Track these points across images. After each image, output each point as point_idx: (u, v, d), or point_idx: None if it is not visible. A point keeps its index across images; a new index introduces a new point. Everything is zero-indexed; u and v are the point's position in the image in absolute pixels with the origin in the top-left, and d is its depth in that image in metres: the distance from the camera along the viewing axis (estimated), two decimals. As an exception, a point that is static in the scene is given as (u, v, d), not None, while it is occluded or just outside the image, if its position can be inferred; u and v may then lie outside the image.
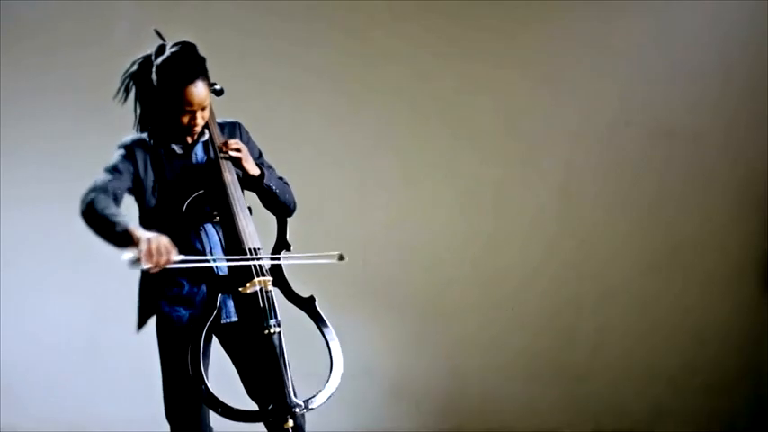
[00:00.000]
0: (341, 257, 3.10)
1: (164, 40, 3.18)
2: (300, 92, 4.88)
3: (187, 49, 3.08)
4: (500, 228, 5.14)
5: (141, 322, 3.20)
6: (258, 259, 3.02)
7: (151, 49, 3.14)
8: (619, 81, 5.18)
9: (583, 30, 5.12)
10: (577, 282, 5.19)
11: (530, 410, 5.15)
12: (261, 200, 3.21)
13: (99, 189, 2.96)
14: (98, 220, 2.88)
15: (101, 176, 3.04)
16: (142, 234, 2.80)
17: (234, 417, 2.91)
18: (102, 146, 4.68)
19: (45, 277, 4.78)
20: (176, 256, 2.82)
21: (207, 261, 3.00)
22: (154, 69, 3.07)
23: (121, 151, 3.11)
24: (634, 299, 5.21)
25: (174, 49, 3.07)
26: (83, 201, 2.95)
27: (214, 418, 3.18)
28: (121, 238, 2.81)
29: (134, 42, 4.71)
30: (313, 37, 4.87)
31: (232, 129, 3.24)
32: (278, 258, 3.11)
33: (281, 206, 3.21)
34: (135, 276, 4.66)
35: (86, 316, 4.79)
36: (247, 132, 3.29)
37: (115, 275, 4.71)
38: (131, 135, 3.17)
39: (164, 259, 2.78)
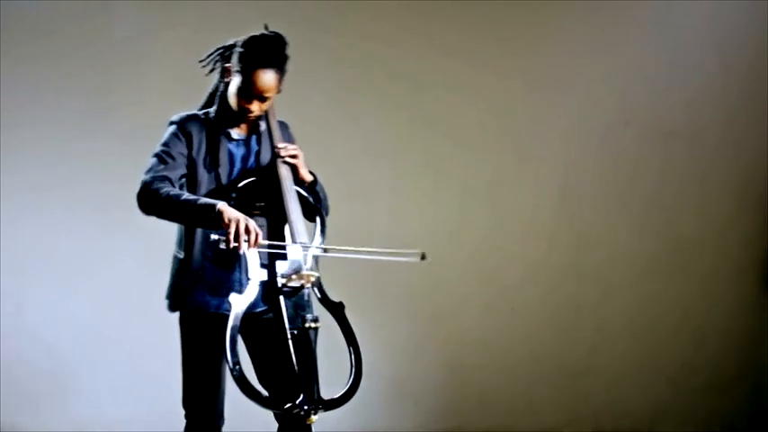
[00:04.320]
0: (423, 257, 3.08)
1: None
2: (294, 94, 4.85)
3: (278, 39, 3.10)
4: (499, 228, 5.14)
5: (173, 307, 3.20)
6: (344, 251, 3.07)
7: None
8: (618, 81, 5.18)
9: (582, 29, 5.13)
10: (577, 281, 5.19)
11: (529, 410, 5.15)
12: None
13: (157, 179, 3.00)
14: (177, 207, 2.93)
15: (151, 164, 3.06)
16: (232, 214, 2.88)
17: (262, 402, 2.93)
18: (103, 150, 4.74)
19: (46, 278, 4.77)
20: (263, 241, 2.91)
21: (285, 248, 3.02)
22: (240, 41, 3.10)
23: (174, 128, 3.13)
24: (633, 298, 5.22)
25: (269, 33, 3.11)
26: (144, 195, 2.99)
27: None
28: (213, 219, 2.88)
29: (134, 47, 4.79)
30: (308, 40, 4.84)
31: (281, 128, 3.27)
32: (362, 251, 3.10)
33: (319, 211, 3.23)
34: (136, 277, 4.73)
35: (87, 316, 4.79)
36: (292, 135, 3.33)
37: (116, 276, 4.77)
38: (183, 112, 3.18)
39: (252, 240, 2.86)
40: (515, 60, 5.10)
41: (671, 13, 5.17)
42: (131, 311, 4.78)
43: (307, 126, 4.91)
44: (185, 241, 3.15)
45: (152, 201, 2.98)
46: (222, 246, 2.86)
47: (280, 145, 3.15)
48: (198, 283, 3.11)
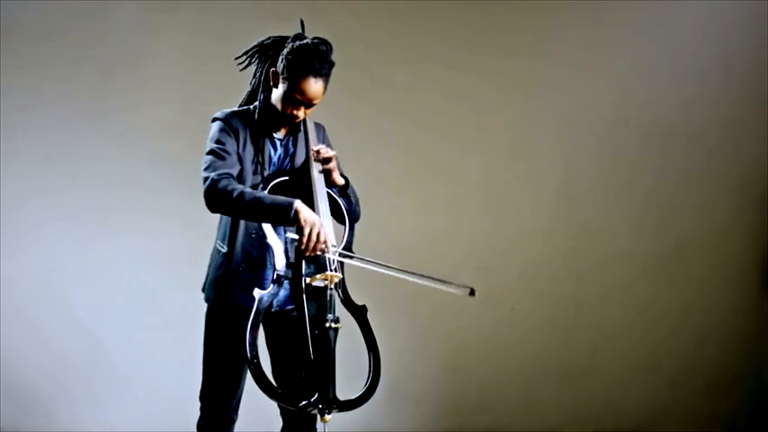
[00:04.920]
0: (472, 293, 3.17)
1: (304, 31, 3.22)
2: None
3: (326, 46, 3.11)
4: (499, 227, 5.14)
5: (211, 300, 3.21)
6: (400, 269, 3.09)
7: (289, 34, 3.19)
8: (618, 80, 5.19)
9: (581, 29, 5.13)
10: (577, 282, 5.19)
11: (529, 410, 5.16)
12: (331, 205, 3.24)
13: (223, 177, 3.00)
14: (251, 204, 2.94)
15: (209, 160, 3.05)
16: (308, 216, 2.92)
17: (277, 397, 2.94)
18: (103, 153, 4.75)
19: (46, 278, 4.78)
20: (332, 247, 2.98)
21: (353, 257, 3.07)
22: (287, 48, 3.09)
23: (220, 125, 3.13)
24: (633, 298, 5.22)
25: (315, 40, 3.11)
26: (214, 193, 2.97)
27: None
28: (290, 217, 2.92)
29: (134, 49, 4.80)
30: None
31: (317, 130, 3.29)
32: (412, 273, 3.13)
33: (350, 214, 3.25)
34: (136, 279, 4.74)
35: (87, 316, 4.80)
36: (328, 138, 3.35)
37: (116, 276, 4.78)
38: (227, 109, 3.18)
39: (320, 246, 2.93)
40: (514, 60, 5.10)
41: (671, 12, 5.17)
42: (131, 313, 4.79)
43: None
44: (229, 236, 3.16)
45: (222, 199, 2.97)
46: (295, 245, 2.93)
47: (314, 148, 3.17)
48: (237, 279, 3.13)
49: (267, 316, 3.10)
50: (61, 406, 4.76)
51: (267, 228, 3.05)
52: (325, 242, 2.94)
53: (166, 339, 4.75)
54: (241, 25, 4.81)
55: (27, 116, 4.76)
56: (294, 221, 2.92)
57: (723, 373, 5.29)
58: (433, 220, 5.09)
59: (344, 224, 3.22)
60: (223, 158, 3.05)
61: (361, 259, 3.12)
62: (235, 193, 2.95)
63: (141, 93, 4.82)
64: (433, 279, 3.16)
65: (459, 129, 5.10)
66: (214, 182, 2.99)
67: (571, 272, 5.19)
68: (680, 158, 5.23)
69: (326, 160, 3.14)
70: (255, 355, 2.90)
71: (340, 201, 3.22)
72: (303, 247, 2.91)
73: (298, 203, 2.93)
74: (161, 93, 4.83)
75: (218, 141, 3.09)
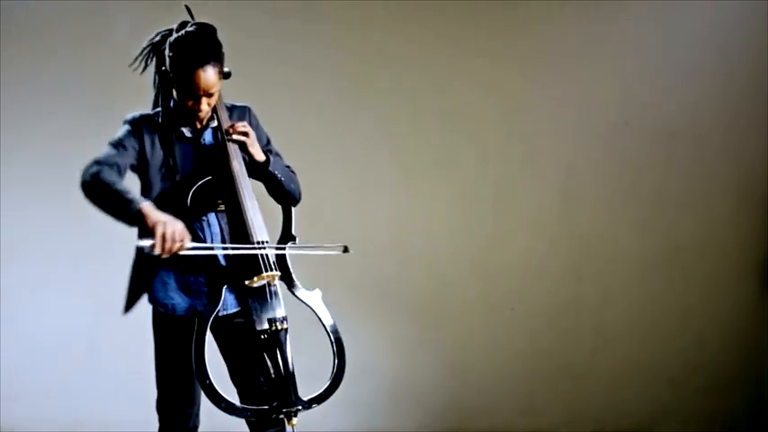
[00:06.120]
0: (345, 249, 3.06)
1: (192, 17, 3.12)
2: (299, 91, 4.88)
3: (203, 32, 3.00)
4: (500, 227, 5.14)
5: (129, 305, 3.09)
6: (262, 248, 2.95)
7: (176, 24, 3.10)
8: (620, 81, 5.18)
9: (584, 29, 5.12)
10: (577, 282, 5.19)
11: (530, 411, 5.16)
12: (266, 187, 3.14)
13: (104, 162, 2.88)
14: (107, 194, 2.80)
15: (105, 150, 2.96)
16: (157, 217, 2.74)
17: (237, 413, 2.89)
18: (101, 147, 4.73)
19: (44, 278, 4.77)
20: (189, 244, 2.78)
21: (213, 249, 2.95)
22: (167, 44, 3.01)
23: (127, 127, 3.04)
24: (634, 299, 5.22)
25: (190, 29, 3.00)
26: (86, 172, 2.86)
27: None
28: (133, 218, 2.76)
29: (133, 43, 4.77)
30: (312, 36, 4.86)
31: (242, 112, 3.18)
32: (283, 249, 3.04)
33: (285, 194, 3.13)
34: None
35: (86, 317, 4.79)
36: (256, 117, 3.23)
37: (115, 276, 4.74)
38: (139, 111, 3.10)
39: (176, 246, 2.74)
40: (517, 61, 5.09)
41: (673, 13, 5.16)
42: (130, 312, 4.76)
43: (310, 123, 4.94)
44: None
45: (91, 181, 2.83)
46: (147, 252, 2.73)
47: (226, 125, 3.03)
48: (157, 279, 3.04)
49: (215, 322, 2.98)
50: (61, 406, 4.75)
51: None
52: (182, 240, 2.74)
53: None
54: (242, 24, 4.80)
55: (25, 111, 4.76)
56: (140, 223, 2.75)
57: (724, 373, 5.30)
58: (434, 221, 5.08)
59: (281, 204, 3.12)
60: (117, 149, 2.95)
61: (277, 247, 3.03)
62: (103, 179, 2.81)
63: (140, 88, 4.79)
64: (305, 247, 3.09)
65: (460, 130, 5.09)
66: (95, 163, 2.88)
67: (572, 272, 5.18)
68: (682, 160, 5.22)
69: (241, 134, 2.99)
70: (205, 375, 2.84)
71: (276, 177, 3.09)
72: (158, 250, 2.71)
73: (144, 205, 2.76)
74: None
75: (118, 138, 3.00)
